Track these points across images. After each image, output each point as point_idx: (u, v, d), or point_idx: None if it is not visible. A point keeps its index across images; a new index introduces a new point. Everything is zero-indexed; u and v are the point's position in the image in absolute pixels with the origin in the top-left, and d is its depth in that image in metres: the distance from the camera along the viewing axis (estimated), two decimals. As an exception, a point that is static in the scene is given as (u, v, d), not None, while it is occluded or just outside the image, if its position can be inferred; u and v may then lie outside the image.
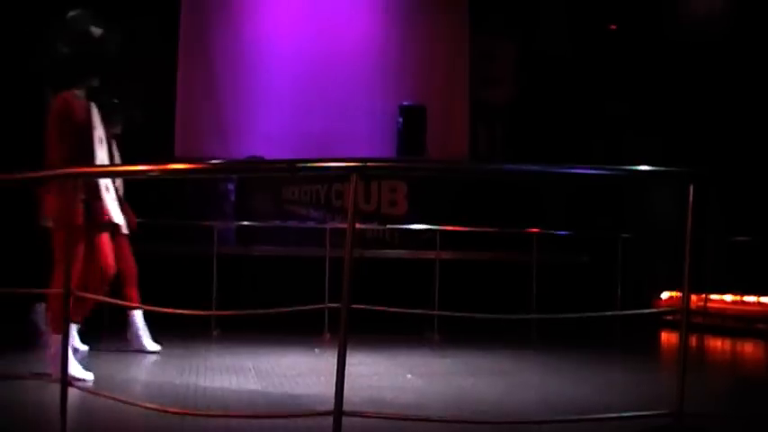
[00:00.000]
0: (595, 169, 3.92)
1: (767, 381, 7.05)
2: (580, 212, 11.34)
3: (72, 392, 3.88)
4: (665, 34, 11.71)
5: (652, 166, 3.75)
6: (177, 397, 5.10)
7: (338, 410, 3.25)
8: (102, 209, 5.84)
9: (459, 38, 12.51)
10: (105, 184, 5.95)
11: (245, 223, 9.36)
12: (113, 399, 4.10)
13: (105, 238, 5.95)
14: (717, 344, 9.82)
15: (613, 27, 12.44)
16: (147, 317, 7.19)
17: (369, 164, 3.37)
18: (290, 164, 4.17)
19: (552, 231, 10.01)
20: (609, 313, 6.05)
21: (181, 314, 4.02)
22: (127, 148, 9.22)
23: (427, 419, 4.16)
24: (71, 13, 5.75)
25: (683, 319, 3.69)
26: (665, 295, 11.18)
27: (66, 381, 3.74)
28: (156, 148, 10.29)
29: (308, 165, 3.87)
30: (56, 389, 3.77)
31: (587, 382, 6.22)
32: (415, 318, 8.98)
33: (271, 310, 8.53)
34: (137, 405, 4.06)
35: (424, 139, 11.76)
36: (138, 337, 7.18)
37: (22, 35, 9.83)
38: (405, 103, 11.95)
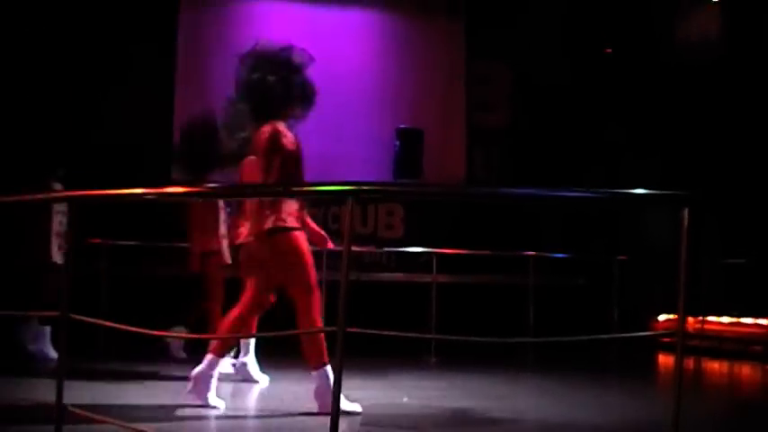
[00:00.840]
0: (590, 193, 3.94)
1: (763, 404, 7.04)
2: (577, 235, 11.37)
3: (70, 416, 3.87)
4: (661, 57, 11.78)
5: (650, 189, 3.78)
6: (172, 421, 5.08)
7: (334, 433, 3.26)
8: None
9: (455, 62, 12.58)
10: None
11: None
12: (110, 422, 4.10)
13: None
14: (714, 366, 9.81)
15: (609, 51, 12.52)
16: (142, 339, 7.17)
17: (364, 188, 3.39)
18: (286, 187, 4.20)
19: (549, 254, 10.03)
20: (605, 336, 6.05)
21: (177, 337, 4.03)
22: (123, 170, 9.28)
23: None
24: (268, 43, 5.85)
25: (679, 341, 3.70)
26: (662, 318, 11.19)
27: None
28: (153, 171, 10.32)
29: (304, 189, 3.89)
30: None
31: (584, 406, 6.21)
32: (413, 341, 8.99)
33: (267, 334, 8.55)
34: (132, 429, 4.06)
35: (421, 163, 11.80)
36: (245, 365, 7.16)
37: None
38: (402, 126, 11.99)
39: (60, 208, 7.81)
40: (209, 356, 5.49)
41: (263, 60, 5.81)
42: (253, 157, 6.11)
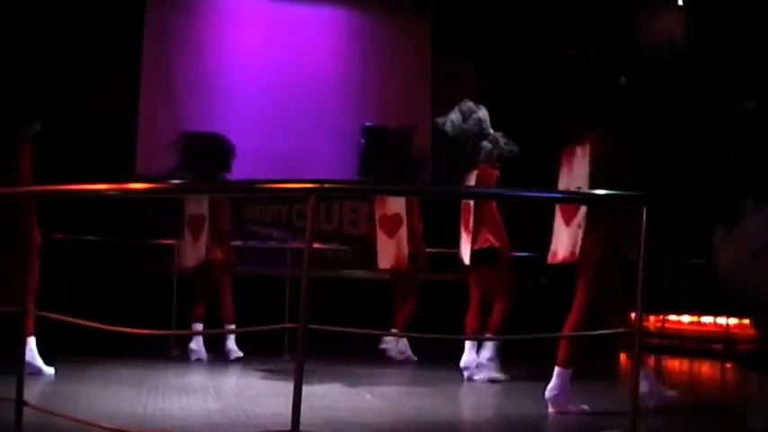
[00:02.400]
0: (551, 193, 3.99)
1: (719, 400, 7.13)
2: (541, 234, 11.42)
3: (27, 412, 3.85)
4: (626, 60, 11.86)
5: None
6: (135, 417, 5.07)
7: (295, 430, 3.27)
8: None
9: (421, 60, 12.62)
10: None
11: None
12: (71, 419, 4.08)
13: None
14: (674, 364, 9.92)
15: (574, 51, 12.58)
16: (106, 335, 7.14)
17: (326, 185, 3.41)
18: (249, 185, 4.20)
19: (512, 253, 10.07)
20: (564, 334, 6.11)
21: (140, 333, 4.02)
22: (88, 166, 9.23)
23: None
24: (593, 56, 5.80)
25: (637, 340, 3.77)
26: (623, 316, 11.28)
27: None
28: (117, 167, 10.28)
29: (267, 186, 3.89)
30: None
31: (544, 402, 6.26)
32: (377, 338, 9.00)
33: (230, 330, 8.53)
34: (93, 425, 4.04)
35: (386, 160, 11.81)
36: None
37: None
38: (367, 123, 12.00)
39: None
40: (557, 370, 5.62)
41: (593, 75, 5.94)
42: None
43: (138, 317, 7.66)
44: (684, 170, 10.88)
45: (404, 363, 8.67)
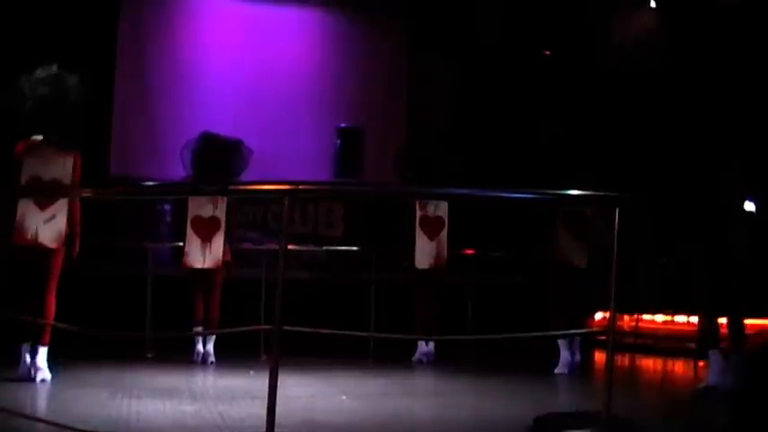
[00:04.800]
0: (524, 193, 4.02)
1: (690, 397, 7.20)
2: (517, 234, 11.46)
3: (1, 417, 3.84)
4: (599, 61, 11.95)
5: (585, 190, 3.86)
6: (109, 419, 5.05)
7: (269, 432, 3.28)
8: None
9: (396, 61, 12.65)
10: None
11: (181, 244, 9.28)
12: (45, 422, 4.07)
13: None
14: (648, 363, 10.00)
15: (547, 53, 12.66)
16: (81, 338, 7.11)
17: (300, 187, 3.42)
18: (223, 187, 4.21)
19: (487, 253, 10.12)
20: (539, 333, 6.16)
21: (115, 335, 4.02)
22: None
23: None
24: None
25: (610, 338, 3.81)
26: (598, 316, 11.36)
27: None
28: (91, 169, 10.21)
29: (241, 188, 3.91)
30: None
31: (520, 402, 6.30)
32: (352, 340, 9.02)
33: (205, 332, 8.51)
34: (68, 428, 4.03)
35: (362, 161, 11.86)
36: None
37: None
38: (342, 125, 12.02)
39: None
40: None
41: None
42: None
43: (112, 319, 7.68)
44: (657, 170, 10.95)
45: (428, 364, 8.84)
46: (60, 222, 6.57)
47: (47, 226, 6.53)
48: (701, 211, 7.14)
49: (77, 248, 6.77)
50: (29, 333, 6.56)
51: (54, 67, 6.84)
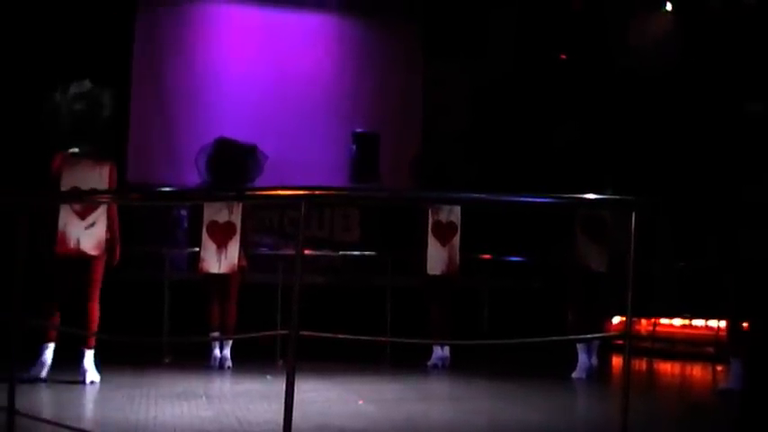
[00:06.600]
0: (541, 197, 4.00)
1: (710, 403, 7.16)
2: (534, 239, 11.44)
3: (21, 421, 3.85)
4: (615, 64, 11.91)
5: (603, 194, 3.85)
6: (128, 424, 5.07)
7: (286, 436, 3.28)
8: None
9: (412, 66, 12.64)
10: None
11: (197, 249, 9.33)
12: (65, 426, 4.08)
13: None
14: (665, 367, 9.95)
15: (563, 56, 12.63)
16: (99, 343, 7.14)
17: (316, 192, 3.42)
18: (240, 192, 4.22)
19: (505, 258, 10.10)
20: (557, 338, 6.12)
21: (132, 340, 4.03)
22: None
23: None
24: None
25: (627, 343, 3.78)
26: (615, 320, 11.31)
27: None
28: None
29: (258, 193, 3.91)
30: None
31: (537, 408, 6.28)
32: (369, 345, 9.01)
33: (223, 337, 8.53)
34: (85, 433, 4.05)
35: (378, 166, 11.85)
36: None
37: None
38: (358, 130, 12.02)
39: None
40: None
41: None
42: None
43: (130, 324, 7.71)
44: (674, 173, 10.91)
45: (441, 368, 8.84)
46: (100, 229, 6.83)
47: (87, 232, 6.76)
48: (729, 215, 7.09)
49: (118, 255, 7.02)
50: (49, 334, 6.67)
51: (87, 82, 7.03)
